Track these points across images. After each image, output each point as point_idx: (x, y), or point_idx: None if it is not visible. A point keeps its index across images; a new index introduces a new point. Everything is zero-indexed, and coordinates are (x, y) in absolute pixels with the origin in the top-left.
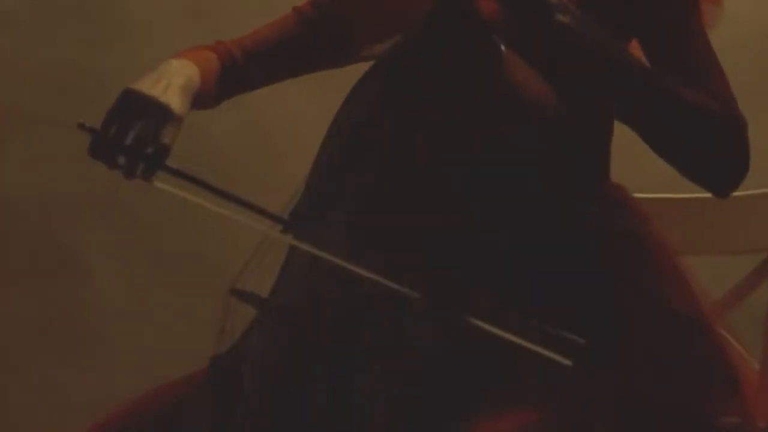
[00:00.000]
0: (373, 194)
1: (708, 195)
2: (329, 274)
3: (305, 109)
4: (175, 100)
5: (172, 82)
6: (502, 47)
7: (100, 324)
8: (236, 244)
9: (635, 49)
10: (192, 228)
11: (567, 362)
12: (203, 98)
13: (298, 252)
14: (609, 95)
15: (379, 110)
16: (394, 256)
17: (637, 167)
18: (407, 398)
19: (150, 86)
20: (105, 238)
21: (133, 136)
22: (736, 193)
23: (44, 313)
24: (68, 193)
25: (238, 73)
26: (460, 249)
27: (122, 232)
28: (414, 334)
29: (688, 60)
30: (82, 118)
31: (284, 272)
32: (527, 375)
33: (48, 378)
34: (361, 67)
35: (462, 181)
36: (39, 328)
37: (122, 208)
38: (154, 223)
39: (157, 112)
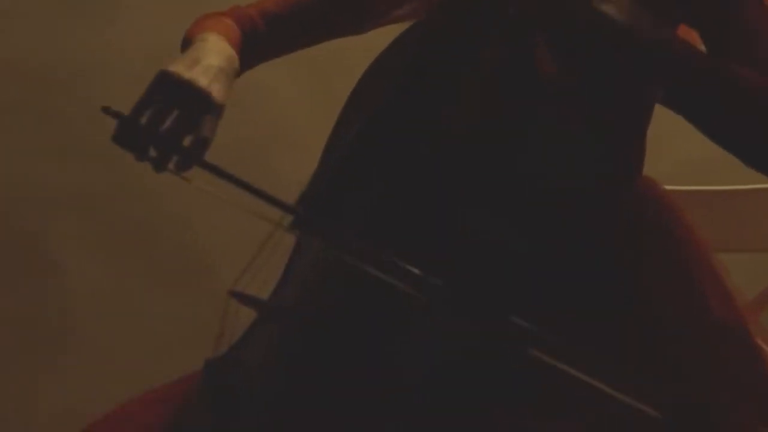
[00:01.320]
0: (388, 191)
1: (743, 187)
2: (334, 274)
3: (296, 103)
4: (215, 87)
5: (211, 64)
6: (535, 38)
7: (79, 327)
8: (225, 240)
9: (686, 33)
10: (178, 224)
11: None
12: None
13: (302, 251)
14: (659, 84)
15: (395, 101)
16: (409, 254)
17: (663, 155)
18: (422, 409)
19: (186, 68)
20: (83, 234)
21: (169, 124)
22: None
23: (18, 315)
24: (43, 186)
25: (259, 39)
26: (477, 251)
27: (102, 227)
28: (431, 339)
29: (748, 43)
30: (56, 109)
31: (287, 273)
32: (567, 389)
33: (22, 385)
34: (360, 62)
35: (483, 180)
36: (12, 331)
37: (102, 203)
38: (136, 218)
39: (197, 101)
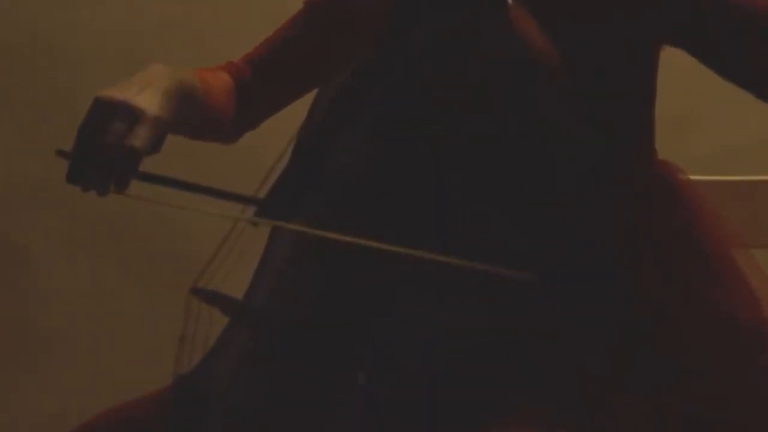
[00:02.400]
0: (387, 190)
1: None
2: (309, 268)
3: None
4: (149, 102)
5: (149, 84)
6: None
7: (53, 329)
8: (211, 236)
9: None
10: (160, 218)
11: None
12: (216, 122)
13: (275, 244)
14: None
15: (368, 81)
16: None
17: (690, 142)
18: (419, 413)
19: (120, 91)
20: (57, 229)
21: (101, 146)
22: None
23: None
24: (18, 181)
25: (249, 86)
26: (477, 251)
27: (77, 222)
28: (428, 334)
29: None
30: (31, 97)
31: (261, 268)
32: (558, 387)
33: (1, 389)
34: None
35: (483, 180)
36: None
37: (77, 195)
38: (115, 212)
39: (125, 115)
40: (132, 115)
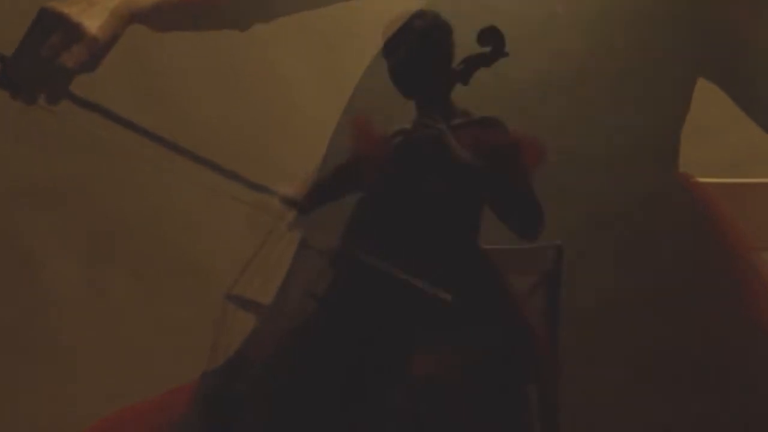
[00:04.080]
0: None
1: None
2: (340, 276)
3: (300, 74)
4: (91, 20)
5: (98, 2)
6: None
7: (55, 333)
8: (220, 239)
9: None
10: (167, 217)
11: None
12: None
13: (306, 248)
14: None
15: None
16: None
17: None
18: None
19: (68, 6)
20: (57, 229)
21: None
22: None
23: None
24: (12, 178)
25: None
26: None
27: (78, 222)
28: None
29: None
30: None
31: (291, 274)
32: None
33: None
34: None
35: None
36: None
37: (77, 195)
38: (115, 212)
39: (66, 32)
40: (72, 31)
